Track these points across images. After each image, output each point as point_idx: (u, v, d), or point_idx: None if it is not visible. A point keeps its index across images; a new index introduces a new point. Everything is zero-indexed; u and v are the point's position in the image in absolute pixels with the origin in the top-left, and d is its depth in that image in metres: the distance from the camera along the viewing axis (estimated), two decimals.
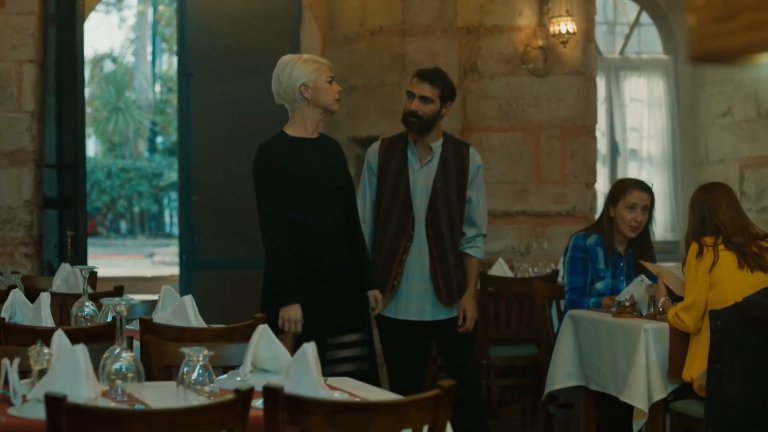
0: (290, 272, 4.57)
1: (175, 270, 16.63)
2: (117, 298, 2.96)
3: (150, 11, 30.49)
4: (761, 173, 9.31)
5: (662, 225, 10.07)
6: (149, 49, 30.36)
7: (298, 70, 4.65)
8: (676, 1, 10.35)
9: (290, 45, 8.70)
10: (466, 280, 5.20)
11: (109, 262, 20.10)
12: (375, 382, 4.39)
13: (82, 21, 8.03)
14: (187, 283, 8.69)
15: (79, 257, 7.68)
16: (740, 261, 4.76)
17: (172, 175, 27.76)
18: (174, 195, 28.50)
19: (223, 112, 8.78)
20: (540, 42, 8.04)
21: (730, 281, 4.71)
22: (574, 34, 7.95)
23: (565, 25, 7.92)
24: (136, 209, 28.95)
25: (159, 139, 30.60)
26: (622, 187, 5.49)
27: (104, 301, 3.04)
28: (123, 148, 29.41)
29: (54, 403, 2.36)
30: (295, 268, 4.61)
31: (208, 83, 8.76)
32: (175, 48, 29.25)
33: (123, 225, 29.57)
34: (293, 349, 3.31)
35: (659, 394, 4.85)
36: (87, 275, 4.32)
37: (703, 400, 4.62)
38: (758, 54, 1.41)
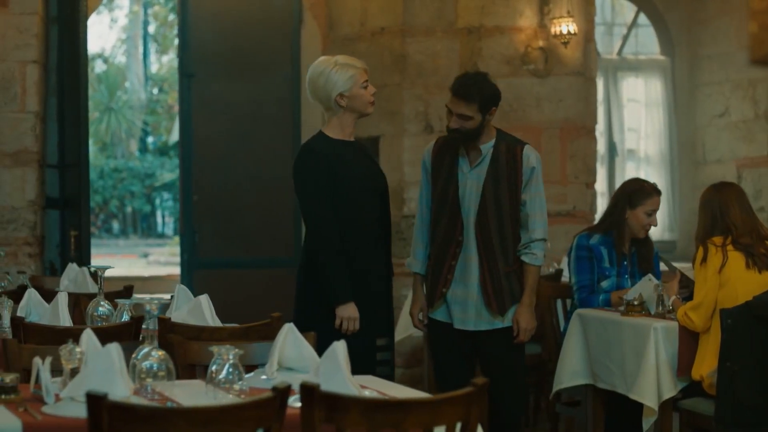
0: (345, 271, 4.54)
1: (170, 270, 16.65)
2: (148, 296, 2.99)
3: (141, 12, 30.45)
4: (758, 173, 9.36)
5: (660, 225, 10.10)
6: (141, 49, 30.32)
7: (333, 79, 4.59)
8: (673, 2, 10.40)
9: (291, 45, 8.74)
10: (522, 288, 4.88)
11: (103, 262, 20.03)
12: None
13: (85, 21, 8.02)
14: (188, 283, 8.70)
15: (82, 257, 7.67)
16: (748, 262, 4.81)
17: (165, 176, 27.74)
18: (166, 195, 28.48)
19: (224, 113, 8.80)
20: (540, 43, 8.08)
21: (740, 280, 4.76)
22: (574, 34, 7.99)
23: (566, 26, 7.96)
24: (129, 209, 28.91)
25: (150, 139, 30.57)
26: (642, 192, 5.46)
27: (133, 300, 3.06)
28: (115, 149, 29.37)
29: (95, 401, 2.38)
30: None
31: (208, 83, 8.78)
32: (167, 48, 29.26)
33: (115, 225, 29.53)
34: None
35: (669, 392, 4.88)
36: (103, 275, 4.34)
37: (713, 399, 4.67)
38: None
